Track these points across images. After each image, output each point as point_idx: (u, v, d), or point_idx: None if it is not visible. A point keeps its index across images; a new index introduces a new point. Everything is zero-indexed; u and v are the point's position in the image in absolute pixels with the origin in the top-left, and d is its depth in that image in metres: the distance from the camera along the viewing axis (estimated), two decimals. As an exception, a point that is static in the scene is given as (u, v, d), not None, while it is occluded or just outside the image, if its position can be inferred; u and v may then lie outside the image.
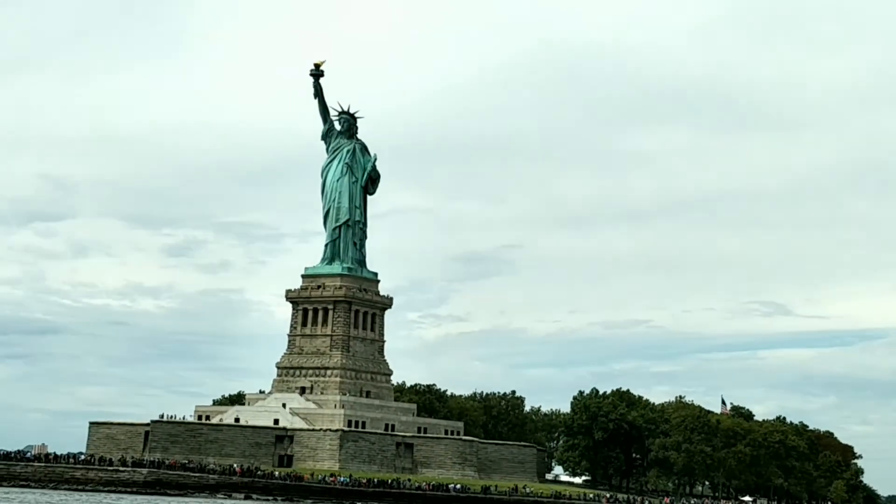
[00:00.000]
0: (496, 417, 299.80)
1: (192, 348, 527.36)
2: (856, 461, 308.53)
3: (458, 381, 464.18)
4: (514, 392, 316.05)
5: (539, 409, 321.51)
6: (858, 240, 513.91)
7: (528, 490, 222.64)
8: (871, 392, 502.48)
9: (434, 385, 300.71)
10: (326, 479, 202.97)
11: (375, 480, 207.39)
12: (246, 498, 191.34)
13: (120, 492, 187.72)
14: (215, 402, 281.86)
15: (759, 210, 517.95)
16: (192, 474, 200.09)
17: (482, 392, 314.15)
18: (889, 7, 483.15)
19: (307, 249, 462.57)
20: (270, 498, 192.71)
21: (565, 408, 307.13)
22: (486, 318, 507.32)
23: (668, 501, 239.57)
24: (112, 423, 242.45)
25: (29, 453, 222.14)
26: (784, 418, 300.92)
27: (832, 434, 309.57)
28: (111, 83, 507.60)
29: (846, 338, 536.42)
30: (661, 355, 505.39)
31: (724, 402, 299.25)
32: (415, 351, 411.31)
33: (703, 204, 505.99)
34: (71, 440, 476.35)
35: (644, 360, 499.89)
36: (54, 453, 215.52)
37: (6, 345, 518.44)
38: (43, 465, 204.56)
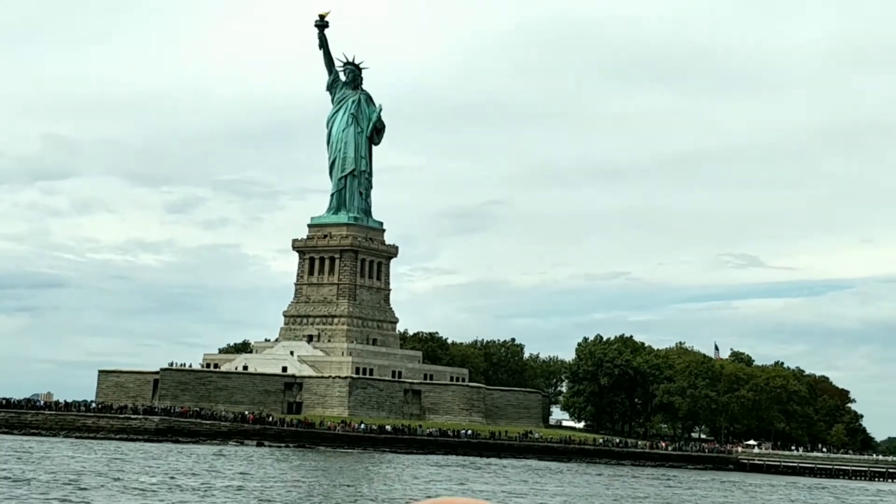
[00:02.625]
0: (496, 364, 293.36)
1: (193, 301, 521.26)
2: (850, 405, 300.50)
3: (448, 331, 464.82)
4: (513, 339, 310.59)
5: (538, 356, 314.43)
6: (826, 196, 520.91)
7: (536, 436, 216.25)
8: (839, 339, 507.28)
9: (436, 333, 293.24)
10: (340, 425, 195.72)
11: (389, 427, 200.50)
12: (258, 445, 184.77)
13: (132, 439, 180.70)
14: (222, 351, 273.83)
15: (733, 168, 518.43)
16: (203, 422, 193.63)
17: (483, 340, 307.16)
18: None
19: (302, 206, 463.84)
20: (282, 445, 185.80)
21: (555, 355, 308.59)
22: (473, 271, 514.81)
23: (664, 445, 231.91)
24: (121, 372, 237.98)
25: (38, 401, 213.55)
26: (782, 363, 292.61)
27: (828, 379, 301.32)
28: (113, 49, 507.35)
29: (815, 288, 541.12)
30: (638, 305, 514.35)
31: (717, 349, 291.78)
32: (405, 302, 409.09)
33: (679, 163, 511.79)
34: (76, 390, 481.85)
35: (623, 310, 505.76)
36: (64, 401, 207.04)
37: (12, 298, 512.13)
38: (53, 413, 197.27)
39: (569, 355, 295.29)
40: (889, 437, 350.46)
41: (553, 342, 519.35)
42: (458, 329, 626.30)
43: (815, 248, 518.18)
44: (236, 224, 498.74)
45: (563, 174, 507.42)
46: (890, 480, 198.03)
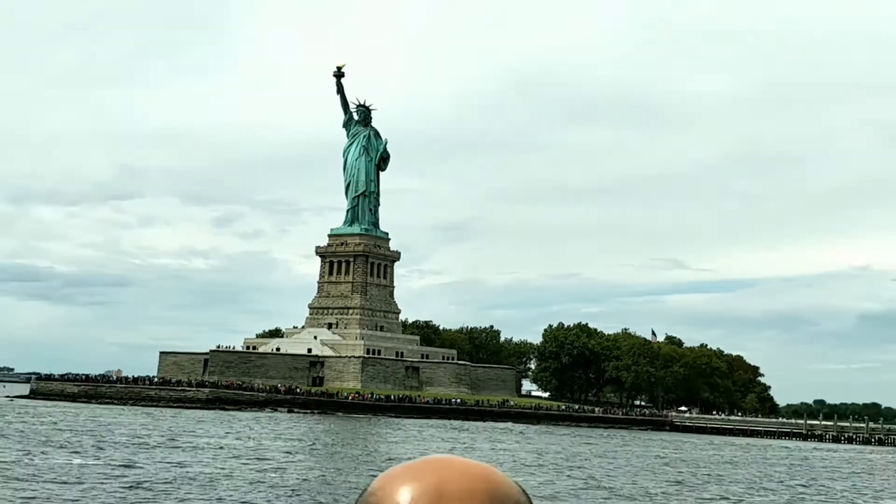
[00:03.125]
0: (478, 346, 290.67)
1: (233, 296, 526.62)
2: (760, 378, 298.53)
3: (439, 320, 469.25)
4: (492, 326, 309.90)
5: (511, 340, 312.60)
6: (737, 212, 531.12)
7: (512, 403, 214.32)
8: (747, 327, 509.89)
9: (430, 321, 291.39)
10: (355, 395, 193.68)
11: (394, 397, 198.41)
12: (289, 411, 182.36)
13: (187, 407, 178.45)
14: (258, 336, 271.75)
15: (663, 189, 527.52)
16: (244, 392, 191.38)
17: (467, 326, 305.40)
18: (755, 34, 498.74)
19: (320, 220, 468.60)
20: (308, 411, 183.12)
21: (525, 339, 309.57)
22: (458, 271, 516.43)
23: (617, 411, 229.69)
24: (177, 353, 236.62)
25: (110, 377, 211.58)
26: (706, 345, 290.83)
27: (742, 357, 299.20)
28: (170, 93, 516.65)
29: (728, 286, 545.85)
30: (589, 299, 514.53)
31: (654, 334, 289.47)
32: (404, 297, 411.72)
33: (621, 185, 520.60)
34: (141, 366, 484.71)
35: (577, 302, 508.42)
36: (132, 376, 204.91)
37: (90, 294, 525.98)
38: (124, 386, 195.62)
39: (536, 339, 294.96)
40: (788, 404, 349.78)
41: (523, 328, 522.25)
42: (447, 318, 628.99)
43: (728, 254, 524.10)
44: (267, 235, 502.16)
45: (531, 194, 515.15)
46: (793, 439, 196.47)
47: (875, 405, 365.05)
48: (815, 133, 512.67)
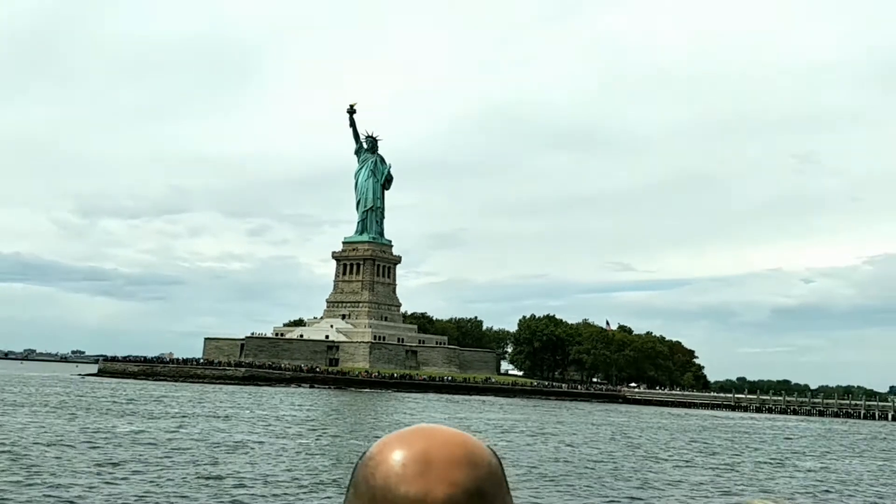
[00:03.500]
0: (464, 333, 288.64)
1: (264, 293, 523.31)
2: (695, 360, 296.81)
3: (433, 312, 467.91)
4: (475, 317, 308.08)
5: (491, 328, 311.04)
6: (674, 223, 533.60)
7: (493, 380, 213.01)
8: (683, 317, 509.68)
9: (426, 313, 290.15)
10: (364, 373, 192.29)
11: (396, 375, 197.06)
12: (311, 386, 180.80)
13: (227, 383, 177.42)
14: (285, 325, 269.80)
15: (615, 204, 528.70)
16: (274, 371, 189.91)
17: (456, 317, 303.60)
18: (690, 76, 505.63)
19: (336, 231, 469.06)
20: (326, 386, 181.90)
21: (503, 327, 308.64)
22: (447, 273, 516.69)
23: (579, 387, 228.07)
24: (219, 338, 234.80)
25: (164, 358, 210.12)
26: (651, 333, 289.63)
27: (681, 343, 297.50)
28: (212, 122, 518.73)
29: (667, 285, 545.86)
30: (553, 295, 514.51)
31: (608, 323, 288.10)
32: (404, 294, 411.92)
33: (580, 202, 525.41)
34: (189, 350, 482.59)
35: (542, 298, 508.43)
36: (182, 358, 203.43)
37: (149, 291, 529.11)
38: (175, 366, 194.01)
39: (512, 327, 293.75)
40: (716, 381, 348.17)
41: (500, 318, 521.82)
42: (439, 311, 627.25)
43: (668, 258, 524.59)
44: (293, 243, 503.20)
45: (507, 209, 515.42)
46: (723, 409, 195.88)
47: (786, 382, 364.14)
48: (738, 159, 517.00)
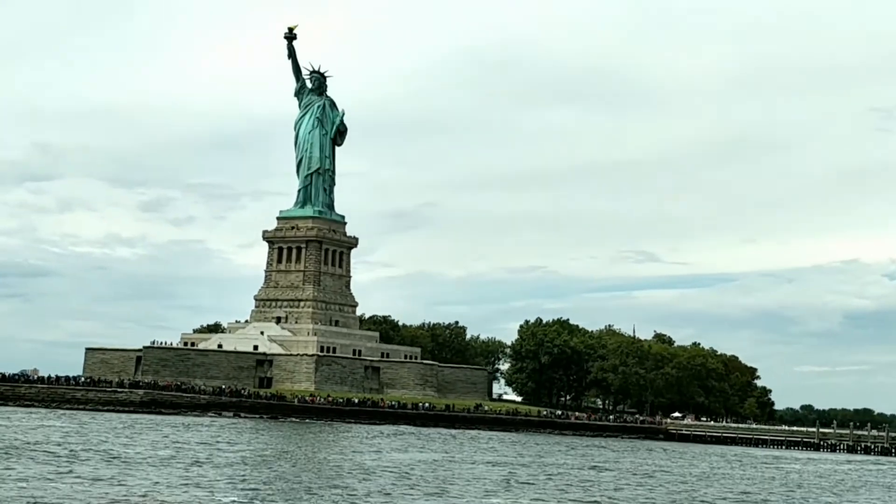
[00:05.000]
0: (441, 344, 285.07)
1: (163, 289, 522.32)
2: (757, 380, 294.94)
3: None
4: (457, 322, 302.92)
5: (478, 337, 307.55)
6: (712, 202, 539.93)
7: (485, 408, 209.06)
8: (724, 324, 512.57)
9: (389, 316, 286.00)
10: (310, 398, 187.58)
11: (356, 400, 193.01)
12: (235, 416, 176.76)
13: (118, 411, 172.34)
14: (196, 331, 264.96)
15: (633, 176, 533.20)
16: (185, 395, 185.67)
17: (430, 322, 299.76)
18: (743, 11, 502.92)
19: (260, 207, 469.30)
20: (257, 416, 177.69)
21: (494, 336, 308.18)
22: (407, 264, 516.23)
23: (611, 418, 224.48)
24: (106, 349, 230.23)
25: (27, 376, 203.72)
26: (699, 344, 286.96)
27: (737, 357, 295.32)
28: (94, 63, 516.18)
29: (703, 281, 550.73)
30: (552, 294, 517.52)
31: (634, 331, 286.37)
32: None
33: (586, 172, 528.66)
34: (61, 366, 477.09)
35: (539, 298, 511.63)
36: (56, 375, 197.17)
37: (3, 286, 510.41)
38: (46, 386, 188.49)
39: (504, 336, 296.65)
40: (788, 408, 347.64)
41: (483, 326, 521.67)
42: (398, 314, 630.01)
43: (704, 246, 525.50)
44: (201, 222, 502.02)
45: (488, 180, 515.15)
46: (803, 449, 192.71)
47: (867, 411, 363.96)
48: (803, 118, 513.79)
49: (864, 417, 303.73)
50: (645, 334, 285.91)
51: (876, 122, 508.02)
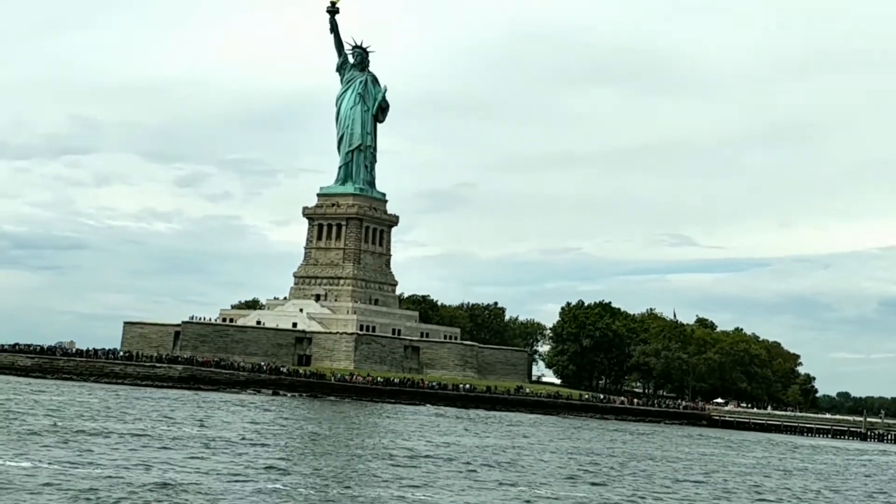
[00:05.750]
0: (480, 325, 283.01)
1: (198, 264, 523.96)
2: (799, 367, 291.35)
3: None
4: (496, 303, 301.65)
5: (517, 318, 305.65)
6: (749, 185, 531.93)
7: (526, 390, 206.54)
8: (759, 309, 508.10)
9: (428, 296, 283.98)
10: (350, 377, 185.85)
11: (395, 380, 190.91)
12: (273, 394, 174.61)
13: (157, 386, 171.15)
14: (234, 307, 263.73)
15: (669, 159, 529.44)
16: (223, 371, 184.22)
17: (469, 303, 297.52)
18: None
19: (295, 183, 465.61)
20: (295, 394, 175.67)
21: (533, 318, 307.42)
22: (443, 243, 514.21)
23: (653, 403, 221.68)
24: (145, 323, 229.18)
25: (63, 348, 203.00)
26: (741, 329, 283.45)
27: (780, 344, 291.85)
28: (133, 39, 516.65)
29: (739, 265, 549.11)
30: (587, 277, 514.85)
31: (674, 315, 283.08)
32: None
33: (624, 154, 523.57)
34: (97, 339, 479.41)
35: (573, 280, 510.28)
36: (93, 349, 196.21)
37: (39, 258, 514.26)
38: (84, 359, 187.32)
39: (538, 317, 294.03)
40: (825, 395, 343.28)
41: (518, 307, 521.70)
42: (434, 294, 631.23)
43: (740, 230, 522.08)
44: (237, 198, 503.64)
45: (525, 162, 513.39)
46: (849, 438, 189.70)
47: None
48: (842, 102, 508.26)
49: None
50: (682, 318, 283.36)
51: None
